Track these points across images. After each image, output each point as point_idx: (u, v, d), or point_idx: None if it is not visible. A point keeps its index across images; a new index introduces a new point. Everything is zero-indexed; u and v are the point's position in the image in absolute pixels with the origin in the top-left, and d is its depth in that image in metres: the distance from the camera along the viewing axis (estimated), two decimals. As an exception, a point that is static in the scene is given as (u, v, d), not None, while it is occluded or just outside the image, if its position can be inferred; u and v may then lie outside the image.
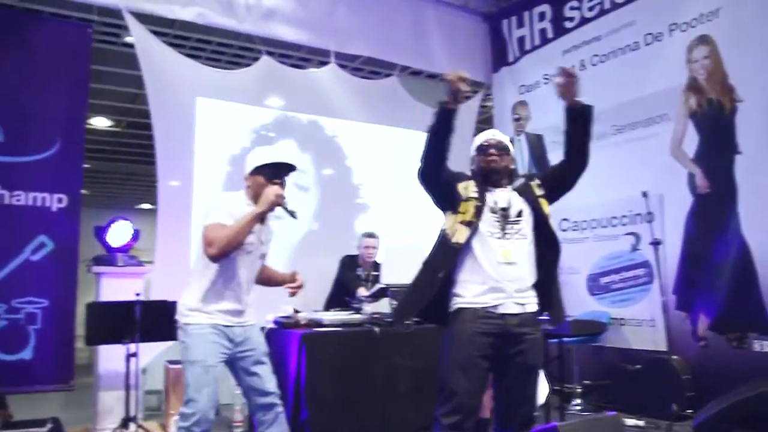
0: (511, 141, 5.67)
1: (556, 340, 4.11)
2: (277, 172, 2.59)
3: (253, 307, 2.67)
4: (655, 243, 4.31)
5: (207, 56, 6.00)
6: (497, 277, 2.30)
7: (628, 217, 4.69)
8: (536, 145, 5.49)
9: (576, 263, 5.04)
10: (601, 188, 4.81)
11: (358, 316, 4.03)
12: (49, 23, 4.21)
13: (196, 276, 2.55)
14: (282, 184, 2.58)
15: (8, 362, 3.86)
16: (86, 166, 11.86)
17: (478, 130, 7.66)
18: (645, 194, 4.37)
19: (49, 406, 4.14)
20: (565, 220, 5.15)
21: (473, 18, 6.02)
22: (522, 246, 2.36)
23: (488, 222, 2.34)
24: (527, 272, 2.36)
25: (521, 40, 5.71)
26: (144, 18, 4.41)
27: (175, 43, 5.28)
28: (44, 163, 4.06)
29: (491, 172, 2.45)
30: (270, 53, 5.11)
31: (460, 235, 2.32)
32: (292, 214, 2.55)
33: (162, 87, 4.44)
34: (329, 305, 4.65)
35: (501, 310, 2.30)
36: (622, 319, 4.69)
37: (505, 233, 2.34)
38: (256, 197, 2.55)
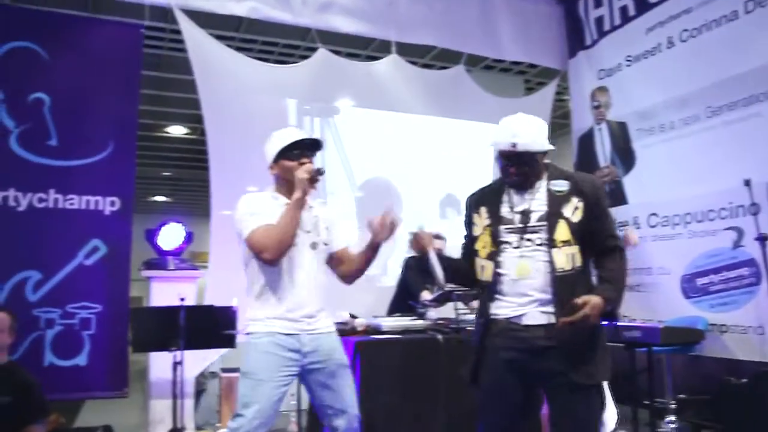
0: (590, 131, 5.36)
1: (644, 349, 3.61)
2: (302, 150, 2.33)
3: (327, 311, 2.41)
4: (762, 238, 3.70)
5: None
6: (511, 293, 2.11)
7: (728, 209, 4.09)
8: (619, 134, 4.97)
9: (667, 263, 4.48)
10: (694, 178, 4.28)
11: (420, 322, 3.71)
12: (99, 25, 4.16)
13: (248, 284, 2.35)
14: (311, 162, 2.33)
15: (63, 368, 3.79)
16: (166, 173, 12.28)
17: (556, 125, 7.20)
18: (748, 183, 3.76)
19: (103, 413, 4.05)
20: (653, 215, 4.61)
21: (546, 1, 5.57)
22: (541, 257, 2.08)
23: (504, 234, 2.15)
24: (547, 283, 2.07)
25: (599, 21, 5.20)
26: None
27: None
28: (97, 166, 3.99)
29: (509, 185, 2.21)
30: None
31: (487, 273, 2.16)
32: (319, 171, 2.31)
33: (214, 85, 4.29)
34: (392, 310, 4.35)
35: (525, 321, 2.08)
36: (723, 325, 4.09)
37: (523, 241, 2.11)
38: (289, 185, 2.30)
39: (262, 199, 2.34)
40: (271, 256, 2.22)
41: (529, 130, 2.12)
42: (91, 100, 4.02)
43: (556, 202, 2.11)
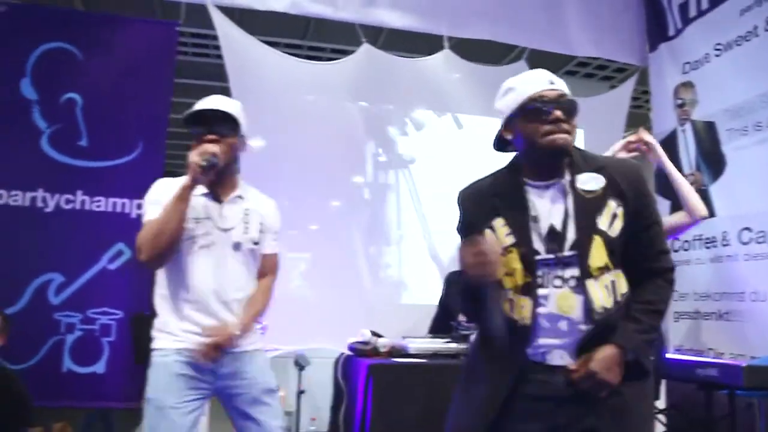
0: (673, 134, 4.68)
1: (724, 391, 2.97)
2: (208, 125, 1.93)
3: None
4: None
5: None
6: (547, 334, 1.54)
7: (841, 224, 3.36)
8: (706, 136, 4.28)
9: (763, 287, 3.75)
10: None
11: (454, 345, 3.27)
12: (134, 24, 4.06)
13: (156, 287, 2.00)
14: (216, 140, 1.92)
15: (80, 374, 3.66)
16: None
17: (633, 125, 6.51)
18: None
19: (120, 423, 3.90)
20: (746, 229, 3.90)
21: (622, -11, 4.98)
22: (573, 286, 1.52)
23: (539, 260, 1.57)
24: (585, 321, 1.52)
25: (683, 7, 4.54)
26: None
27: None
28: (125, 167, 3.87)
29: (554, 155, 1.55)
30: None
31: (525, 312, 1.53)
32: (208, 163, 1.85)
33: (249, 84, 4.08)
34: (433, 330, 3.93)
35: (549, 360, 1.54)
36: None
37: (553, 268, 1.54)
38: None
39: (174, 185, 1.95)
40: (144, 257, 1.88)
41: (562, 80, 1.60)
42: (122, 100, 3.93)
43: (586, 208, 1.54)
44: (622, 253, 1.54)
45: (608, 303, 1.50)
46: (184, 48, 5.77)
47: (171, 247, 1.88)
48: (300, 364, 3.27)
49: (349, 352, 3.33)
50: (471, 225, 1.63)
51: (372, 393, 2.78)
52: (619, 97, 4.96)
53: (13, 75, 3.81)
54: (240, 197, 2.06)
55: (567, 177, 1.57)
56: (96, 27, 3.99)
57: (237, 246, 2.00)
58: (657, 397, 2.47)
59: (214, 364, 1.94)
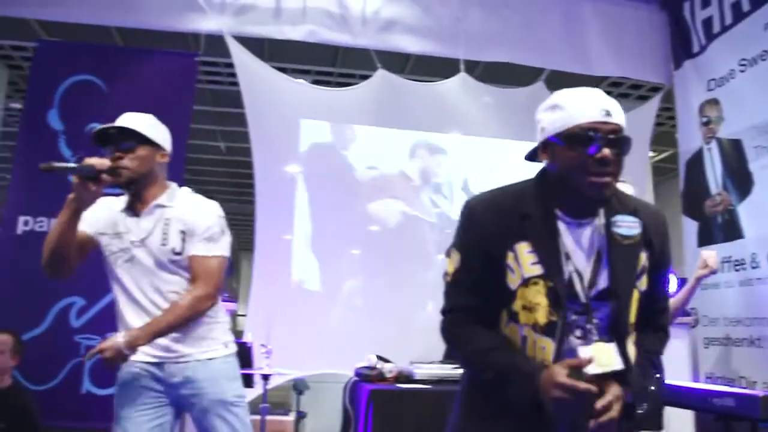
0: (699, 153, 4.51)
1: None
2: (108, 143, 2.00)
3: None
4: None
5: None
6: None
7: None
8: (732, 154, 4.12)
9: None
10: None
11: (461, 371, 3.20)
12: (156, 56, 4.22)
13: None
14: (120, 157, 1.95)
15: (99, 396, 3.74)
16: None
17: (659, 170, 6.27)
18: None
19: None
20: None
21: (645, 7, 4.88)
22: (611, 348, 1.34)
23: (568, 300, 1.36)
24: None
25: (707, 23, 4.42)
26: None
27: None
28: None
29: (592, 199, 1.35)
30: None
31: (546, 355, 1.33)
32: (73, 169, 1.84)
33: (263, 109, 4.17)
34: (447, 355, 3.87)
35: None
36: None
37: (588, 331, 1.34)
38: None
39: (103, 202, 2.00)
40: (42, 266, 1.91)
41: (620, 108, 1.35)
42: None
43: (623, 256, 1.35)
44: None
45: (618, 364, 1.32)
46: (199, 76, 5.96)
47: (54, 258, 1.89)
48: (299, 389, 3.26)
49: (356, 378, 3.31)
50: (485, 242, 1.38)
51: (372, 419, 2.75)
52: (643, 115, 4.84)
53: (42, 107, 4.01)
54: (160, 206, 2.02)
55: (602, 218, 1.38)
56: (120, 59, 4.17)
57: (159, 263, 1.97)
58: (660, 427, 2.36)
59: (163, 373, 1.95)
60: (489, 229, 1.37)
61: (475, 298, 1.40)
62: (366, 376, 3.16)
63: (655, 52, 4.83)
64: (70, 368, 3.74)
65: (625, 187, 2.44)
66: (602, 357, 1.29)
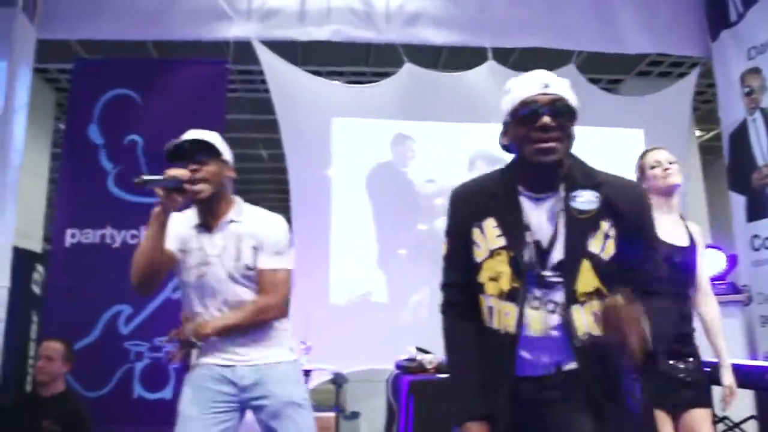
0: (743, 125, 4.34)
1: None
2: (181, 158, 2.00)
3: (267, 344, 2.06)
4: None
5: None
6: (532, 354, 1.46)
7: None
8: (778, 124, 3.96)
9: None
10: None
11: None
12: (187, 65, 4.33)
13: None
14: (196, 170, 1.95)
15: (150, 401, 3.84)
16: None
17: (707, 151, 5.99)
18: None
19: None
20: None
21: (678, -22, 4.74)
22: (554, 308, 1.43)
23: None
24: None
25: (744, -11, 4.27)
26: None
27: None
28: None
29: (543, 166, 1.43)
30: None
31: (510, 321, 1.43)
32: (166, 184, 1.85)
33: (294, 111, 4.22)
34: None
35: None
36: None
37: (536, 297, 1.43)
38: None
39: (174, 218, 1.98)
40: (132, 284, 1.93)
41: (562, 81, 1.47)
42: (178, 137, 4.15)
43: (577, 229, 1.43)
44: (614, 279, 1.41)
45: (595, 329, 1.38)
46: (233, 85, 6.04)
47: (146, 273, 1.91)
48: (337, 383, 3.27)
49: (397, 370, 3.29)
50: (459, 224, 1.54)
51: (413, 410, 2.73)
52: (681, 92, 4.69)
53: (83, 122, 4.16)
54: (233, 221, 2.05)
55: (561, 192, 1.45)
56: (152, 72, 4.29)
57: (230, 275, 2.00)
58: (710, 405, 2.27)
59: (234, 376, 1.98)
60: (462, 211, 1.55)
61: (461, 275, 1.54)
62: (406, 368, 3.14)
63: (690, 25, 4.67)
64: (122, 374, 3.85)
65: (660, 154, 2.37)
66: (538, 326, 1.42)
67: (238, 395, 1.99)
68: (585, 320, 1.39)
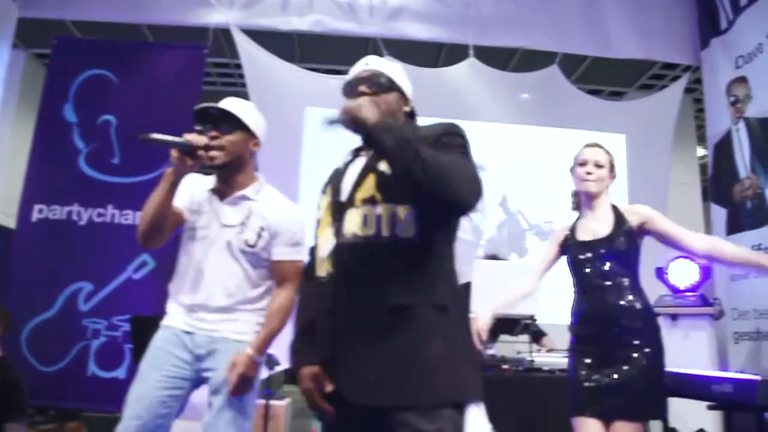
0: (727, 135, 4.17)
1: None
2: (207, 122, 1.97)
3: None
4: None
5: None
6: None
7: None
8: (761, 134, 3.83)
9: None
10: None
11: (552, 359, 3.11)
12: (165, 49, 4.35)
13: None
14: (216, 137, 1.94)
15: (103, 379, 3.83)
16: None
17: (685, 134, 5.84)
18: None
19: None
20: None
21: (670, -17, 4.64)
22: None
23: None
24: None
25: (734, -4, 4.15)
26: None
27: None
28: (152, 182, 4.03)
29: (355, 131, 1.49)
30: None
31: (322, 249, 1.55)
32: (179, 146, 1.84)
33: (268, 99, 4.19)
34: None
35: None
36: None
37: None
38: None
39: (191, 179, 2.02)
40: (137, 236, 1.93)
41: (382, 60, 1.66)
42: (153, 119, 4.06)
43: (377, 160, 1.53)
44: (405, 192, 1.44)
45: (362, 231, 1.45)
46: (209, 78, 6.07)
47: (150, 225, 1.90)
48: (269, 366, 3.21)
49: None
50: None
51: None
52: (666, 99, 4.57)
53: (58, 101, 4.18)
54: (245, 197, 2.03)
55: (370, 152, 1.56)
56: (130, 53, 4.30)
57: (228, 245, 1.99)
58: (641, 418, 2.16)
59: (192, 343, 1.94)
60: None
61: None
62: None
63: (682, 33, 4.58)
64: (77, 351, 3.85)
65: (591, 153, 2.29)
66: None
67: (192, 364, 1.94)
68: (356, 222, 1.47)
